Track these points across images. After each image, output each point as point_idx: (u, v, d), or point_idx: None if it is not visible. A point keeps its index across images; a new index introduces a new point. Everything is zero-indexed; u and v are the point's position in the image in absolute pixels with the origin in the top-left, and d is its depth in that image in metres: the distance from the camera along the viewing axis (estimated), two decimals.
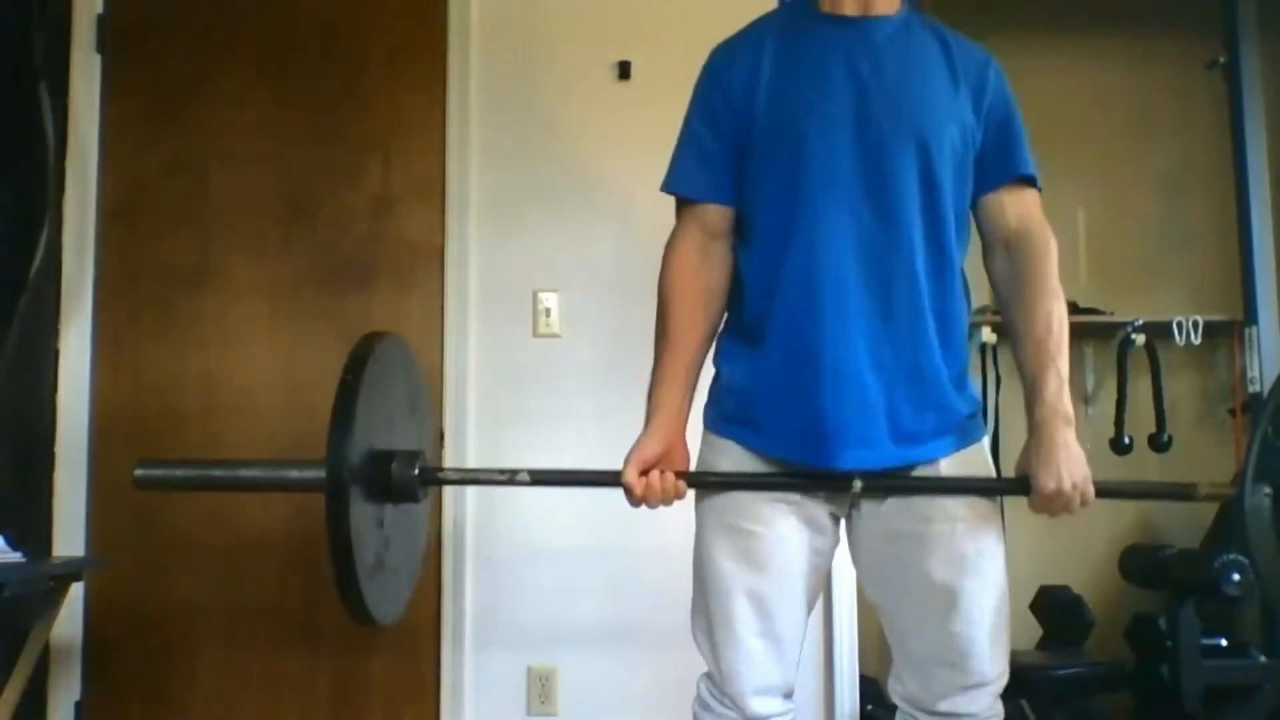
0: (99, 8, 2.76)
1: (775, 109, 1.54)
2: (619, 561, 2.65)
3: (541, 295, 2.75)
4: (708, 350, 1.61)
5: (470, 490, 2.68)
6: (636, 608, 2.64)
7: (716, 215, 1.60)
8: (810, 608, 1.60)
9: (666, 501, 1.52)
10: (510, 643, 2.67)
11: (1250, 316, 3.23)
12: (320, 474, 1.40)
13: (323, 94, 2.78)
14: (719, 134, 1.59)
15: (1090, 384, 3.57)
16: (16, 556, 2.14)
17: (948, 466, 1.54)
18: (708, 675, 1.59)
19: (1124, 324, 3.38)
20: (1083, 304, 3.48)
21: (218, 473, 1.68)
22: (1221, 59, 3.38)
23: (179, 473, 1.64)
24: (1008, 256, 1.59)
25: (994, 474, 1.67)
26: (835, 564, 2.64)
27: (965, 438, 1.56)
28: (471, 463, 2.68)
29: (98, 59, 2.76)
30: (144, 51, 2.79)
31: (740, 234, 1.61)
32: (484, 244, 2.76)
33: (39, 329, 2.60)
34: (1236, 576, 2.80)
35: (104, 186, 2.74)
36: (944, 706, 1.50)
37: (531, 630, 2.67)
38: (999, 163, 1.59)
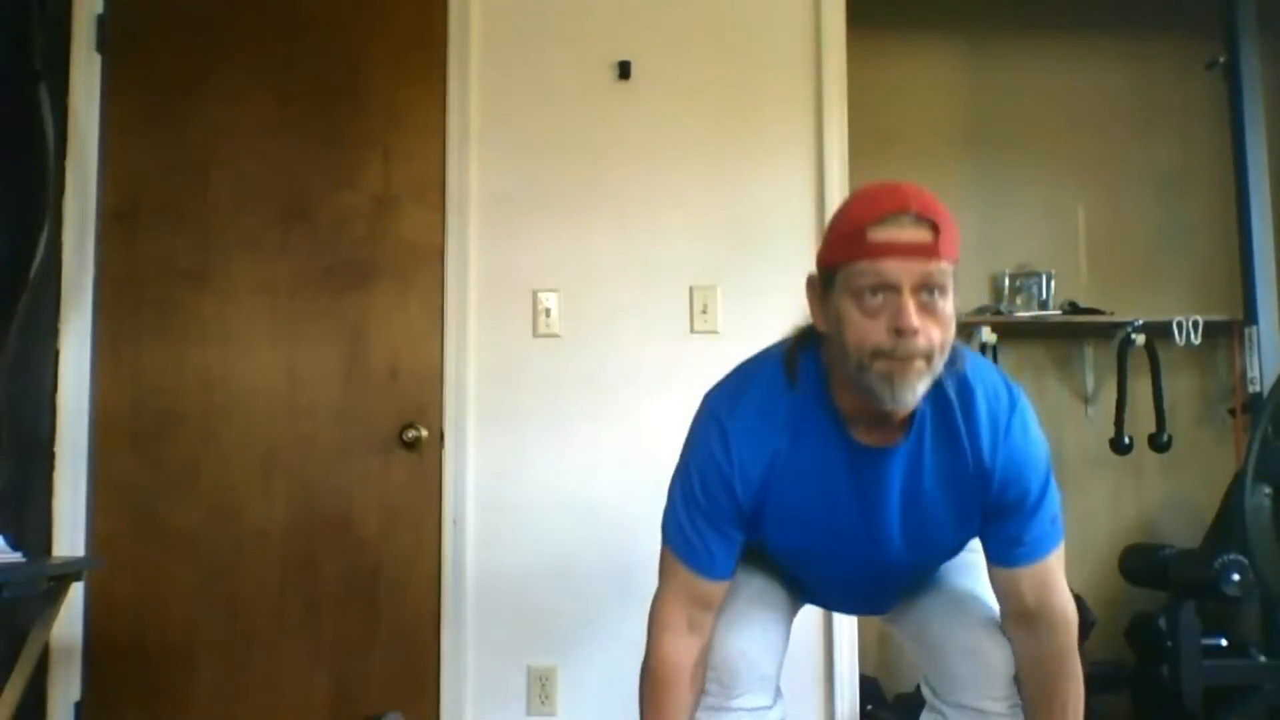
0: (99, 8, 2.76)
1: (783, 519, 1.51)
2: (619, 561, 2.65)
3: (541, 295, 2.75)
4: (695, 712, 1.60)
5: (470, 488, 2.69)
6: (637, 608, 2.64)
7: (713, 590, 1.54)
8: (795, 610, 1.70)
9: None
10: (510, 643, 2.67)
11: (1250, 316, 3.22)
12: None
13: (323, 93, 2.78)
14: (724, 519, 1.51)
15: (1090, 384, 3.57)
16: (16, 556, 2.14)
17: None
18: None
19: (1124, 324, 3.38)
20: (1083, 304, 3.48)
21: None
22: (1221, 59, 3.37)
23: None
24: (1026, 630, 1.52)
25: None
26: None
27: None
28: (471, 463, 2.69)
29: (98, 59, 2.76)
30: (144, 51, 2.79)
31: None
32: (484, 244, 2.76)
33: (39, 329, 2.60)
34: (1236, 576, 2.80)
35: (104, 186, 2.75)
36: (969, 700, 1.54)
37: (531, 630, 2.67)
38: (1012, 548, 1.49)
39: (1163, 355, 3.40)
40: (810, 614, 2.63)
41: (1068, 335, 3.56)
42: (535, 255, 2.76)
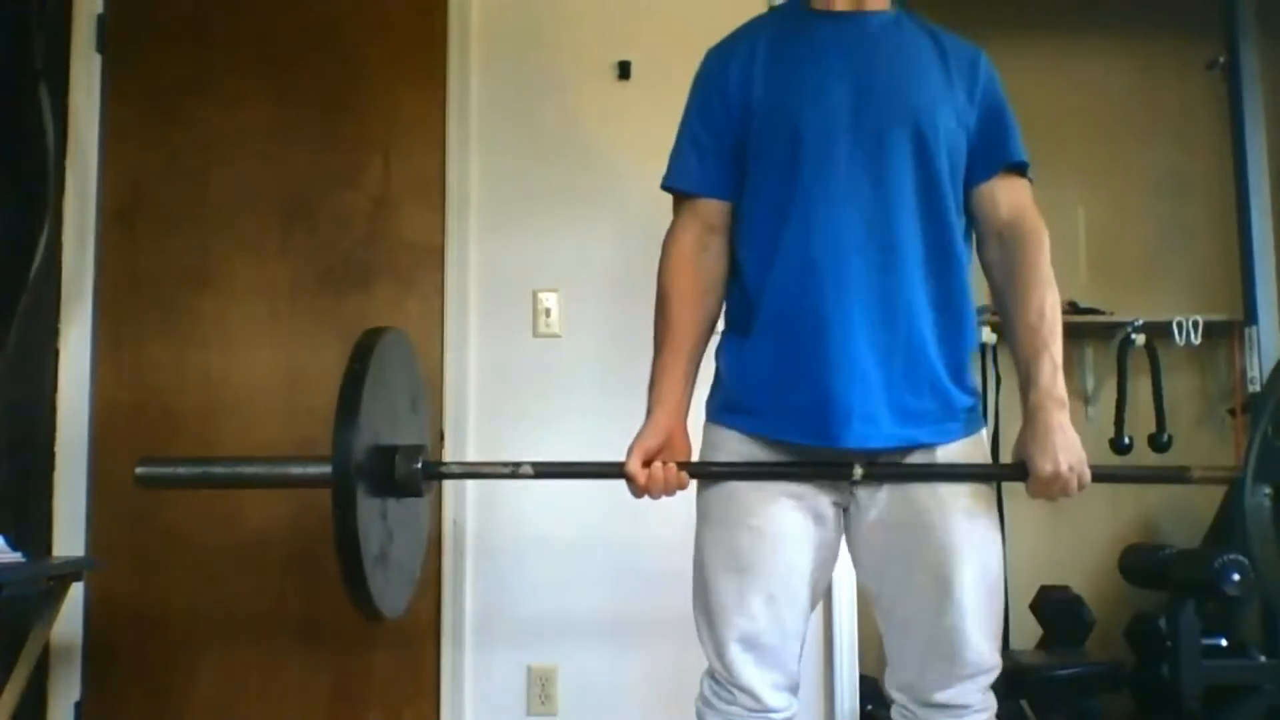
0: (99, 8, 2.76)
1: (771, 101, 1.56)
2: (619, 561, 2.65)
3: (541, 295, 2.75)
4: (707, 343, 1.63)
5: (470, 488, 2.68)
6: (637, 608, 2.64)
7: (714, 210, 1.62)
8: (814, 604, 1.60)
9: (669, 491, 1.53)
10: (510, 642, 2.67)
11: (1250, 316, 3.23)
12: (324, 470, 1.42)
13: (323, 94, 2.78)
14: (716, 130, 1.62)
15: (1090, 384, 3.57)
16: (16, 556, 2.14)
17: (945, 455, 1.55)
18: (710, 673, 1.59)
19: (1124, 324, 3.38)
20: (1083, 304, 3.48)
21: (219, 470, 1.69)
22: (1221, 59, 3.38)
23: (180, 470, 1.65)
24: (1000, 246, 1.60)
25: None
26: (835, 565, 2.66)
27: (965, 429, 1.57)
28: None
29: (98, 59, 2.76)
30: (144, 51, 2.79)
31: (737, 226, 1.63)
32: (484, 244, 2.76)
33: (39, 329, 2.60)
34: (1236, 576, 2.80)
35: (104, 186, 2.75)
36: (939, 697, 1.51)
37: (531, 630, 2.67)
38: (990, 152, 1.60)
39: (1163, 355, 3.41)
40: (810, 617, 2.64)
41: (1068, 335, 3.50)
42: (535, 255, 2.76)
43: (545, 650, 2.67)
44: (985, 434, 1.64)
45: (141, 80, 2.78)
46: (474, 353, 2.73)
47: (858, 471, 1.50)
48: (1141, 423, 3.41)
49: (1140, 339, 3.36)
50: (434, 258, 2.74)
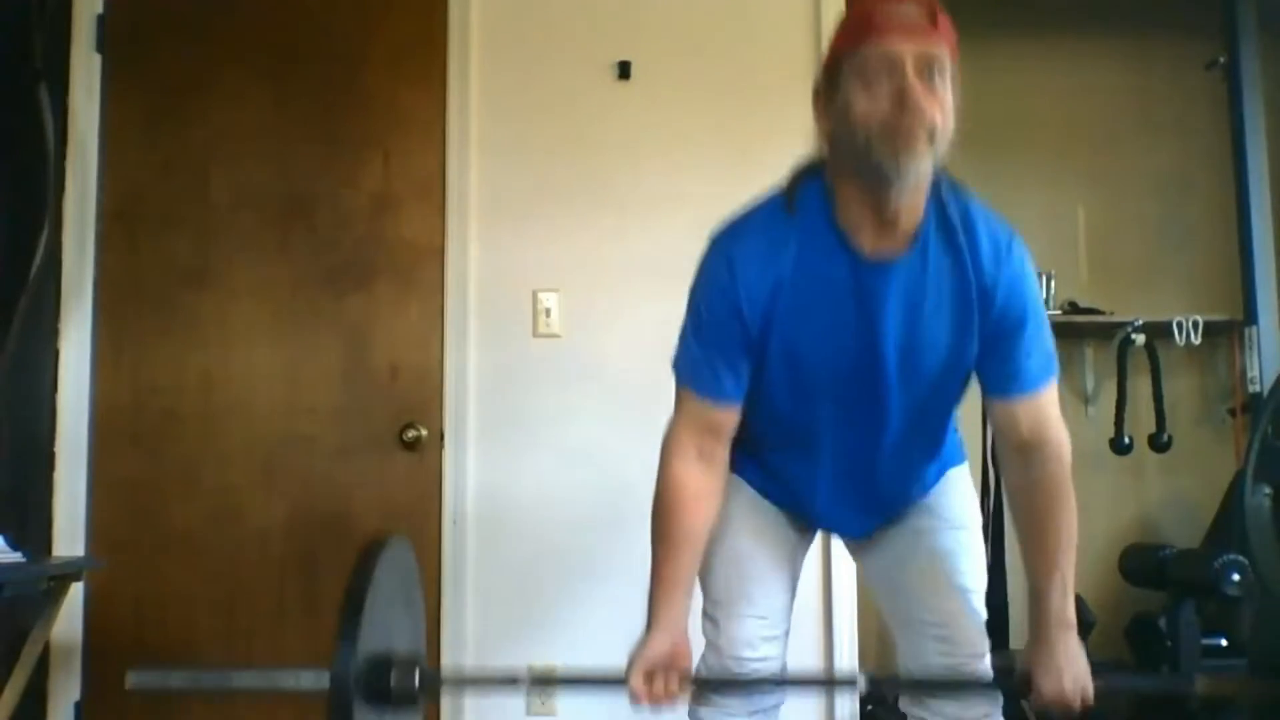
0: (99, 8, 2.76)
1: (787, 346, 1.53)
2: (619, 561, 2.65)
3: (541, 295, 2.75)
4: (704, 545, 1.63)
5: (470, 489, 2.69)
6: (637, 608, 2.64)
7: (724, 418, 1.58)
8: (794, 583, 1.74)
9: (670, 704, 1.56)
10: (510, 643, 2.66)
11: (1250, 316, 3.23)
12: (321, 684, 1.43)
13: (323, 93, 2.78)
14: (730, 349, 1.55)
15: (1090, 384, 3.57)
16: (16, 556, 2.14)
17: (930, 495, 1.69)
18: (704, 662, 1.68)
19: (1124, 324, 3.38)
20: (1083, 304, 3.48)
21: (211, 679, 1.76)
22: (1221, 59, 3.37)
23: (173, 681, 1.67)
24: (1022, 462, 1.56)
25: (973, 492, 1.78)
26: (835, 565, 2.66)
27: (942, 467, 1.70)
28: (471, 463, 2.69)
29: (98, 59, 2.76)
30: (144, 51, 2.79)
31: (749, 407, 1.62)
32: (484, 244, 2.76)
33: (39, 329, 2.60)
34: (1236, 576, 2.80)
35: (104, 186, 2.74)
36: (951, 710, 1.59)
37: (531, 630, 2.67)
38: (1010, 377, 1.53)
39: (1163, 355, 3.41)
40: (810, 614, 2.64)
41: (1068, 335, 3.55)
42: (535, 255, 2.76)
43: (545, 650, 2.66)
44: (965, 465, 1.76)
45: (141, 80, 2.78)
46: (474, 353, 2.73)
47: (861, 683, 1.66)
48: (1141, 423, 3.41)
49: (1140, 339, 3.36)
50: (434, 258, 2.74)
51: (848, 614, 2.66)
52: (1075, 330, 3.51)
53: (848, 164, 1.43)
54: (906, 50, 1.35)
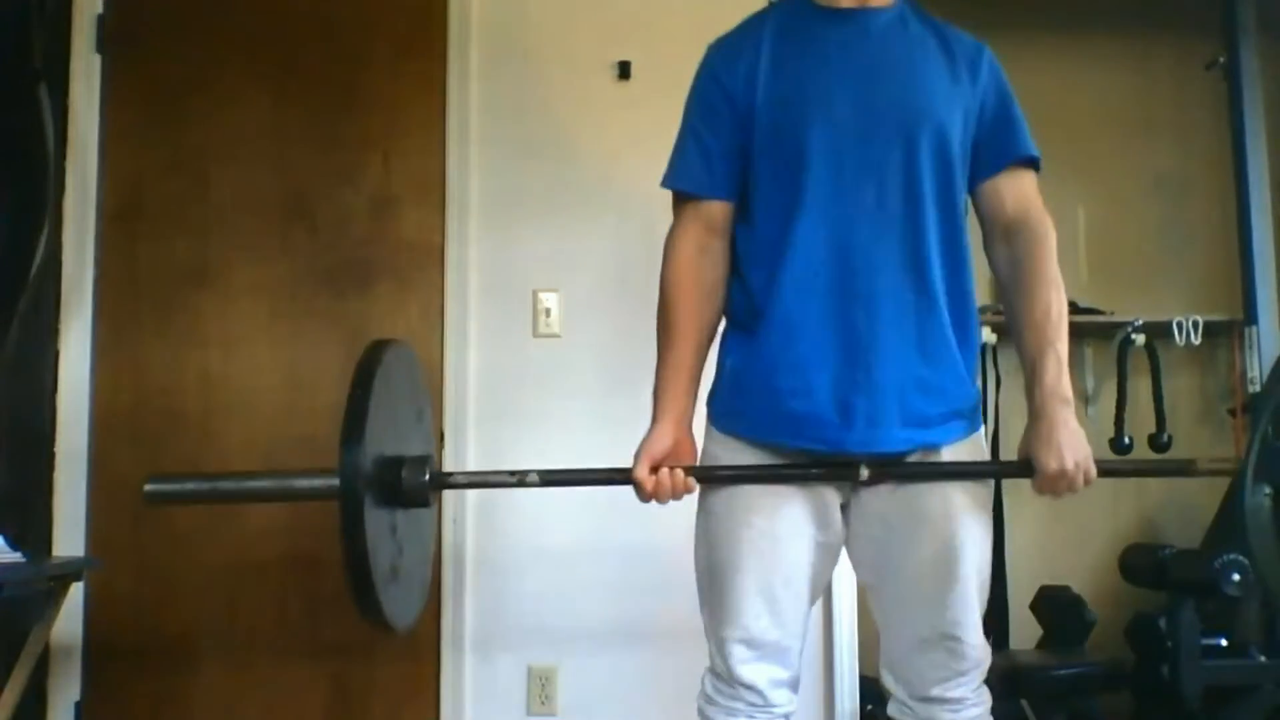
0: (99, 8, 2.76)
1: (776, 103, 1.55)
2: (619, 561, 2.65)
3: (541, 295, 2.75)
4: (710, 345, 1.63)
5: (470, 490, 2.68)
6: (637, 607, 2.65)
7: (717, 211, 1.61)
8: (814, 600, 1.61)
9: (676, 496, 1.53)
10: (510, 643, 2.67)
11: (1250, 316, 3.23)
12: (331, 483, 1.41)
13: (323, 94, 2.78)
14: (719, 131, 1.60)
15: (1090, 384, 3.57)
16: (16, 556, 2.14)
17: (949, 454, 1.56)
18: (711, 669, 1.60)
19: (1124, 324, 3.38)
20: (1083, 304, 3.47)
21: (226, 485, 1.69)
22: (1221, 59, 3.37)
23: (189, 486, 1.65)
24: (1007, 243, 1.61)
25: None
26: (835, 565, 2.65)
27: (969, 427, 1.59)
28: (471, 464, 2.68)
29: (98, 59, 2.76)
30: (144, 51, 2.79)
31: (739, 225, 1.62)
32: (484, 244, 2.76)
33: (39, 329, 2.60)
34: (1236, 576, 2.80)
35: (104, 186, 2.74)
36: (937, 691, 1.52)
37: (531, 630, 2.67)
38: (997, 147, 1.60)
39: (1163, 355, 3.40)
40: (810, 614, 2.63)
41: (1068, 335, 3.55)
42: (535, 255, 2.76)
43: (545, 651, 2.67)
44: (984, 433, 1.65)
45: (141, 80, 2.78)
46: (474, 353, 2.73)
47: (864, 473, 1.51)
48: (1141, 423, 3.40)
49: (1140, 339, 3.36)
50: (434, 258, 2.74)
51: (848, 614, 2.66)
52: (1075, 330, 3.45)
53: None
54: None
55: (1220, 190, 3.47)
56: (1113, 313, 3.45)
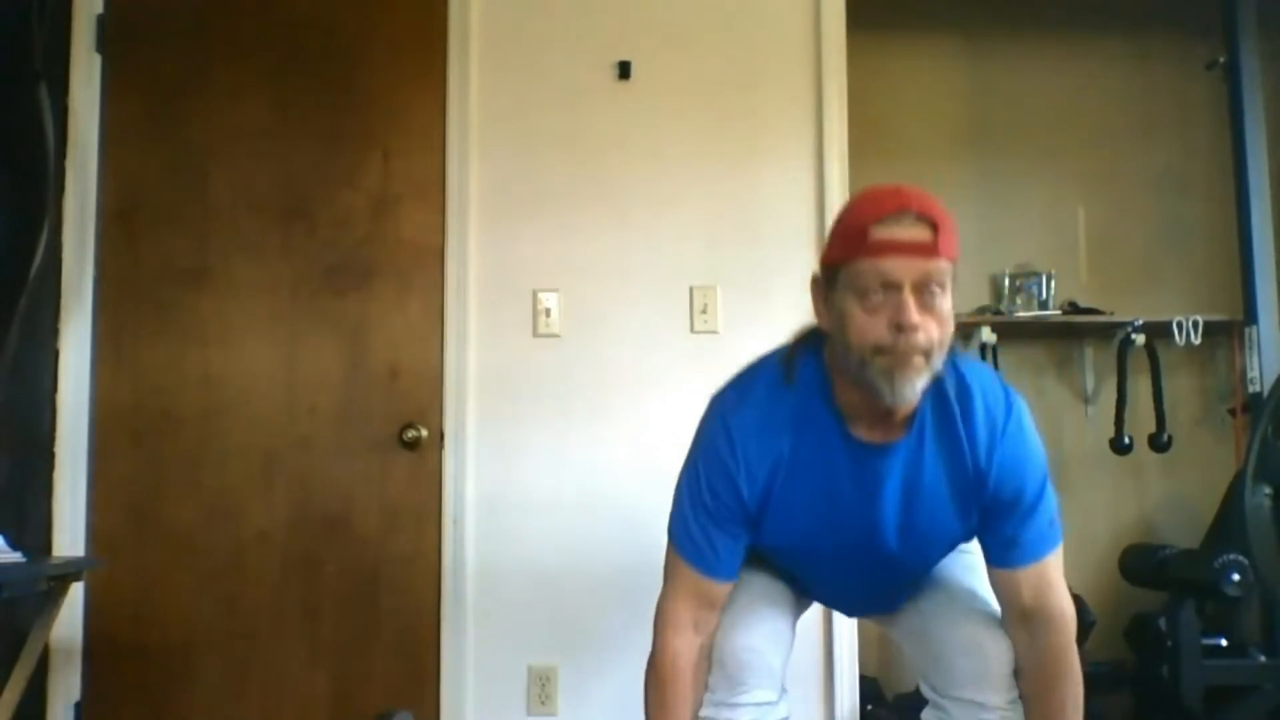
0: (99, 8, 2.76)
1: (784, 519, 1.53)
2: (620, 561, 2.65)
3: (541, 295, 2.75)
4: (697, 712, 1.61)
5: (470, 489, 2.69)
6: (637, 608, 2.64)
7: (718, 591, 1.57)
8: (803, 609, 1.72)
9: None
10: (510, 643, 2.67)
11: (1250, 316, 3.23)
12: None
13: (322, 93, 2.78)
14: (730, 519, 1.53)
15: (1090, 384, 3.57)
16: (16, 556, 2.14)
17: None
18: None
19: (1124, 324, 3.38)
20: (1083, 304, 3.48)
21: None
22: (1221, 59, 3.38)
23: None
24: (1025, 629, 1.54)
25: None
26: None
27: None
28: (471, 463, 2.69)
29: (98, 59, 2.76)
30: (144, 51, 2.79)
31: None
32: (484, 244, 2.76)
33: (39, 329, 2.60)
34: (1236, 576, 2.80)
35: (104, 186, 2.74)
36: (969, 694, 1.55)
37: (531, 630, 2.67)
38: (1009, 549, 1.52)
39: (1163, 355, 3.41)
40: (810, 614, 2.62)
41: (1068, 335, 3.56)
42: (535, 255, 2.76)
43: (545, 650, 2.67)
44: None
45: (141, 80, 2.78)
46: (474, 353, 2.73)
47: None
48: (1141, 423, 3.41)
49: (1140, 339, 3.36)
50: (434, 258, 2.74)
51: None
52: (1075, 330, 3.51)
53: (844, 368, 1.41)
54: (905, 273, 1.31)
55: (1220, 190, 3.47)
56: (1113, 312, 3.45)
